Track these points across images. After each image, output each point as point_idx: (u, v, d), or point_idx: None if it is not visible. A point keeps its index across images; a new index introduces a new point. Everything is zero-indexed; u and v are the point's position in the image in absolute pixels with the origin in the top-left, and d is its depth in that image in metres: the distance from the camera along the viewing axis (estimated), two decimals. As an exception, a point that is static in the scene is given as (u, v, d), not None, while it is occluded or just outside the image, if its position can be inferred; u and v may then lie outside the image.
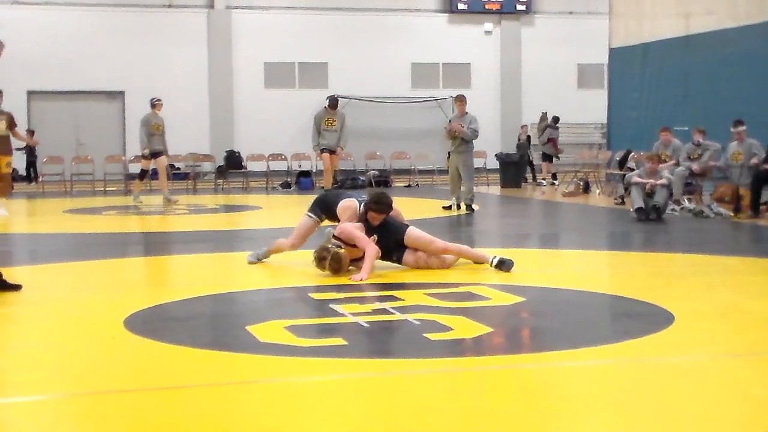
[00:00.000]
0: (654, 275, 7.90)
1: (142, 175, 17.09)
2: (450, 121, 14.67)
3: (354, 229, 7.60)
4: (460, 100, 14.36)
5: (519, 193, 19.85)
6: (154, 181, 20.57)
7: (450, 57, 28.21)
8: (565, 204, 16.42)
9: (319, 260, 7.39)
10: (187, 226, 13.21)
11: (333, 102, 17.31)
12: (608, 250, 10.35)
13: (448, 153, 14.96)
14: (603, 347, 5.07)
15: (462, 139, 14.06)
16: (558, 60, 28.47)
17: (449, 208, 14.27)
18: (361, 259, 7.51)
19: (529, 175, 23.17)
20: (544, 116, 23.40)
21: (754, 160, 13.13)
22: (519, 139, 24.04)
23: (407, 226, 8.01)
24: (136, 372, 4.61)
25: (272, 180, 22.45)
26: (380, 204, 7.82)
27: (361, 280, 7.15)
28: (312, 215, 8.22)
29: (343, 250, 7.42)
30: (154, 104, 16.52)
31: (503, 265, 7.71)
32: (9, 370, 4.70)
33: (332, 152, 17.05)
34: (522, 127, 25.04)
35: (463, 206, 14.07)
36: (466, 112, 14.21)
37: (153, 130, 16.38)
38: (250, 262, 8.24)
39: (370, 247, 7.46)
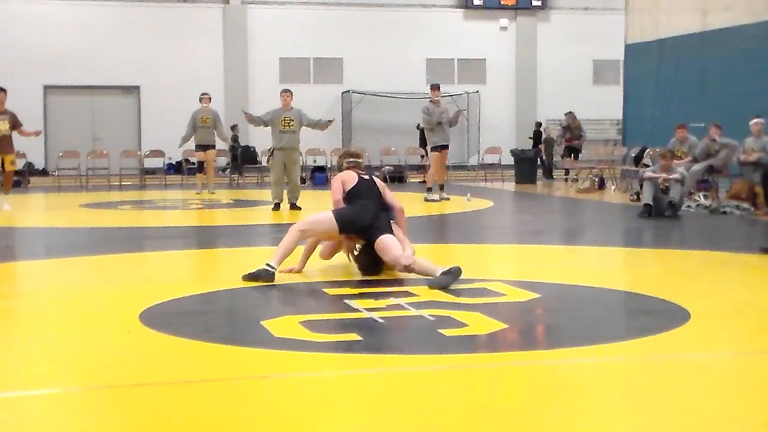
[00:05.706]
0: (670, 272, 7.86)
1: (200, 167, 17.76)
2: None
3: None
4: (285, 93, 14.32)
5: (534, 190, 19.80)
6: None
7: (465, 53, 28.18)
8: (580, 200, 16.37)
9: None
10: (201, 221, 13.25)
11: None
12: (623, 246, 10.31)
13: (272, 150, 14.05)
14: (618, 344, 5.05)
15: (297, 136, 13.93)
16: (574, 56, 28.40)
17: (277, 207, 13.66)
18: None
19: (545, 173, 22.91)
20: (572, 115, 22.81)
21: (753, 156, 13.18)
22: (548, 135, 23.54)
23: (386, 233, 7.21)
24: (150, 366, 4.61)
25: (287, 175, 22.42)
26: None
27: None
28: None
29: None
30: (201, 98, 17.24)
31: (441, 281, 6.65)
32: (25, 363, 4.71)
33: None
34: (537, 124, 24.89)
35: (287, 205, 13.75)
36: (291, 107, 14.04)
37: (200, 123, 17.04)
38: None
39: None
